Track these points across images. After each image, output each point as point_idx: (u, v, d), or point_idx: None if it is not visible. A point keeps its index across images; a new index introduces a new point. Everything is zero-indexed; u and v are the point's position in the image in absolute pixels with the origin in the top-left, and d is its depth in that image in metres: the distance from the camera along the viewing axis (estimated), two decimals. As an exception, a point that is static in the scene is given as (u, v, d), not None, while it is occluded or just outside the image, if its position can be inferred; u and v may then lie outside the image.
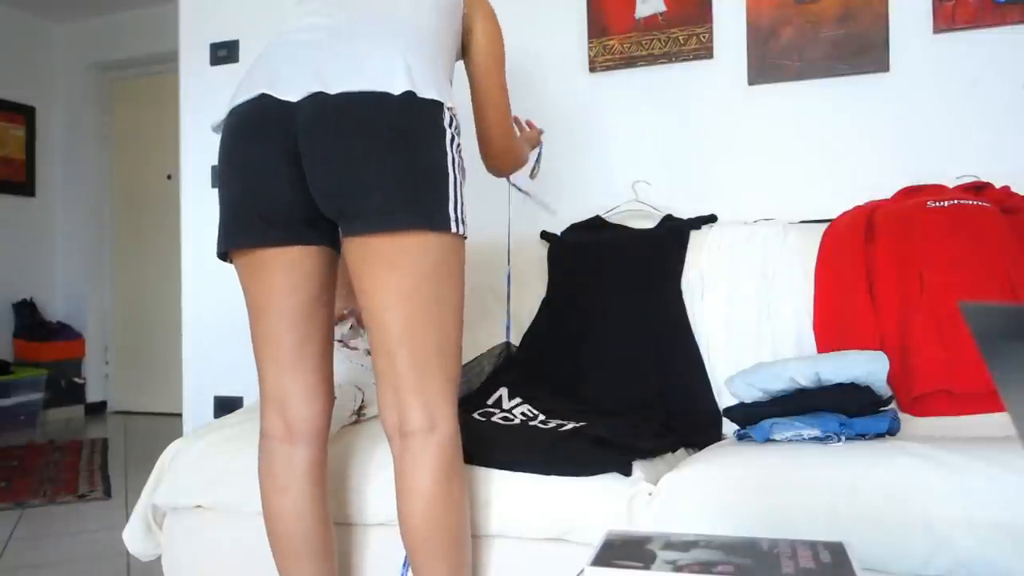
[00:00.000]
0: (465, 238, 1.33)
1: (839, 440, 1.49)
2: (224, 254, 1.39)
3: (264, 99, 1.28)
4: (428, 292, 1.28)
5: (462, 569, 1.35)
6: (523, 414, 1.77)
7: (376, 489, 1.55)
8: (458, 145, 1.32)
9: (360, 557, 1.58)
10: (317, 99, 1.25)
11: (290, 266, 1.33)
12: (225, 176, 1.34)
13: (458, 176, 1.30)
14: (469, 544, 1.38)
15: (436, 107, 1.28)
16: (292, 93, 1.26)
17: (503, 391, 1.81)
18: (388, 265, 1.26)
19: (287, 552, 1.39)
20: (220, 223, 1.35)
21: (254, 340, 1.38)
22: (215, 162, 2.99)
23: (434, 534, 1.29)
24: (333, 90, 1.24)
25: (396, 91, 1.24)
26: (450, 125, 1.30)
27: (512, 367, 1.93)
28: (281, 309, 1.34)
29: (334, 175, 1.25)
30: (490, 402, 1.82)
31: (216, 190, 2.97)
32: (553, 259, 2.19)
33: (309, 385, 1.38)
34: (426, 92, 1.26)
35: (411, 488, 1.30)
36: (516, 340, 2.11)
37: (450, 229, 1.28)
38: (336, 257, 1.39)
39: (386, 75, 1.25)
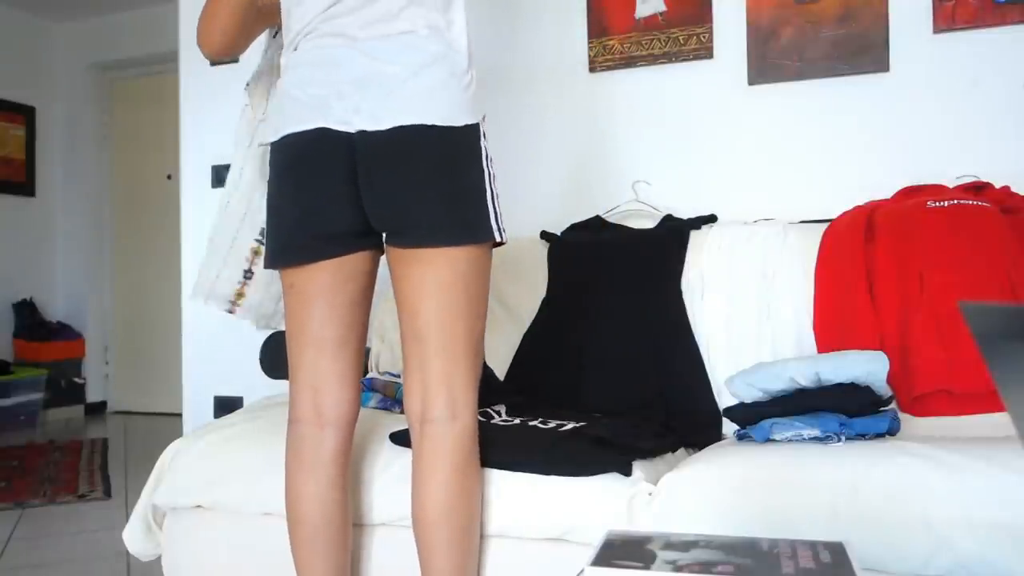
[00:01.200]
0: (504, 243, 1.41)
1: (839, 440, 1.49)
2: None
3: (322, 131, 1.34)
4: (462, 286, 1.37)
5: (470, 558, 1.39)
6: (523, 418, 1.77)
7: (379, 489, 1.55)
8: (490, 157, 1.41)
9: (363, 557, 1.58)
10: (370, 135, 1.32)
11: (338, 268, 1.40)
12: (283, 199, 1.40)
13: (494, 188, 1.40)
14: (478, 535, 1.42)
15: (473, 130, 1.37)
16: (347, 125, 1.33)
17: (502, 408, 1.81)
18: (426, 262, 1.36)
19: (306, 540, 1.42)
20: (274, 241, 1.42)
21: (295, 328, 1.43)
22: (215, 162, 2.99)
23: (447, 520, 1.35)
24: (385, 125, 1.32)
25: (441, 123, 1.33)
26: (484, 139, 1.39)
27: (503, 389, 1.92)
28: (329, 302, 1.41)
29: (386, 201, 1.34)
30: (491, 409, 1.81)
31: (217, 190, 2.99)
32: (553, 259, 2.19)
33: (345, 373, 1.44)
34: (465, 119, 1.35)
35: (428, 474, 1.36)
36: (515, 339, 2.11)
37: (494, 239, 1.39)
38: (379, 256, 1.46)
39: (432, 109, 1.33)
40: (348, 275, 1.41)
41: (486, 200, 1.38)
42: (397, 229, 1.36)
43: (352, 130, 1.33)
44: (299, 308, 1.42)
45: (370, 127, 1.32)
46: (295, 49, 1.40)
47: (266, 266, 1.45)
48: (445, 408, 1.38)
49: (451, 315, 1.37)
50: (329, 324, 1.41)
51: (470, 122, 1.36)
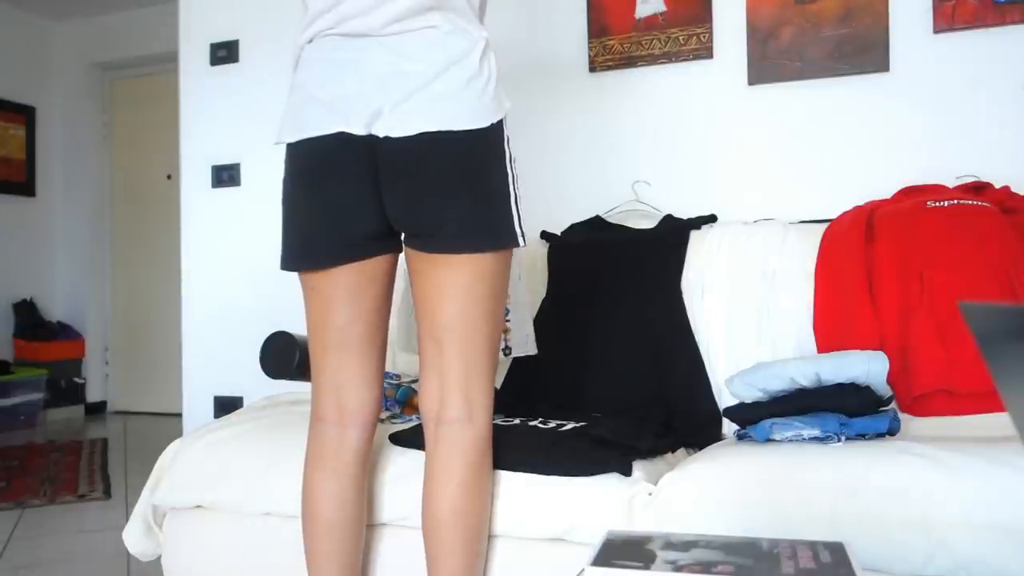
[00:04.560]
0: (524, 246, 1.40)
1: (839, 440, 1.48)
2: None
3: (342, 135, 1.33)
4: (483, 288, 1.36)
5: (479, 560, 1.39)
6: (522, 418, 1.77)
7: (379, 489, 1.55)
8: (514, 159, 1.39)
9: (365, 558, 1.57)
10: (394, 141, 1.31)
11: (360, 271, 1.40)
12: (303, 202, 1.38)
13: (517, 192, 1.39)
14: (487, 537, 1.42)
15: (497, 131, 1.35)
16: (369, 129, 1.32)
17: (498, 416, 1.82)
18: (448, 265, 1.35)
19: (320, 537, 1.42)
20: (294, 243, 1.41)
21: (318, 331, 1.43)
22: (215, 162, 2.99)
23: (458, 523, 1.35)
24: (409, 131, 1.30)
25: (465, 127, 1.31)
26: (507, 143, 1.38)
27: (499, 398, 1.92)
28: (352, 305, 1.41)
29: (410, 208, 1.34)
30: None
31: (217, 190, 2.99)
32: (553, 259, 2.19)
33: (369, 374, 1.44)
34: (489, 118, 1.33)
35: (442, 475, 1.36)
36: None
37: (517, 244, 1.38)
38: (397, 257, 1.46)
39: (456, 113, 1.31)
40: (370, 278, 1.40)
41: (509, 204, 1.37)
42: (421, 233, 1.35)
43: (375, 134, 1.31)
44: (322, 311, 1.42)
45: (394, 133, 1.30)
46: (310, 42, 1.38)
47: (283, 268, 1.44)
48: (462, 410, 1.37)
49: (471, 318, 1.36)
50: (353, 326, 1.41)
51: (495, 120, 1.34)
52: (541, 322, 2.11)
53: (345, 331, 1.41)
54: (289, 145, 1.40)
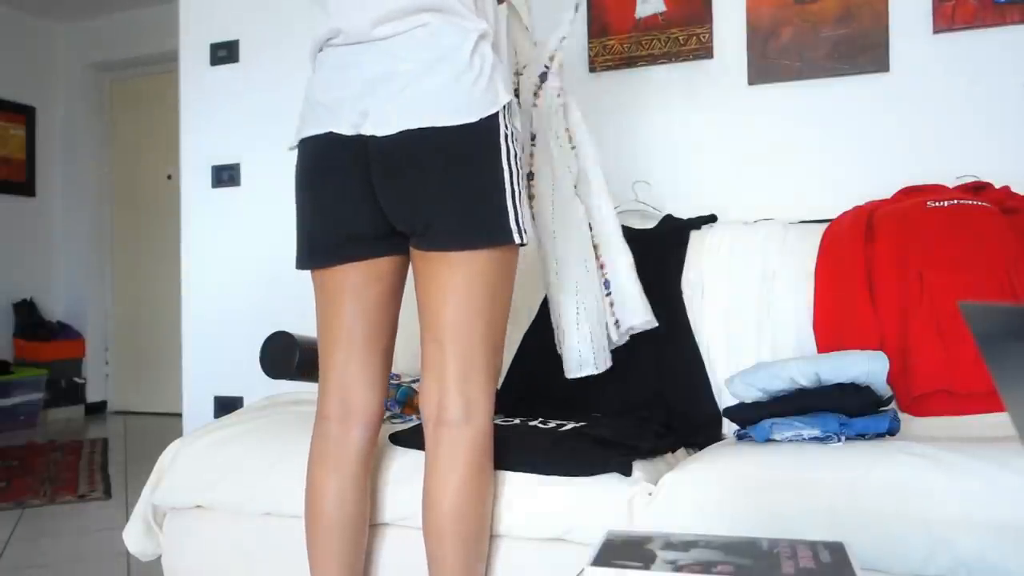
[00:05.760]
0: (524, 244, 1.38)
1: (839, 440, 1.49)
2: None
3: (332, 136, 1.35)
4: (482, 287, 1.35)
5: (480, 562, 1.39)
6: (523, 418, 1.77)
7: (379, 489, 1.55)
8: (516, 154, 1.37)
9: (367, 558, 1.57)
10: (379, 140, 1.32)
11: (367, 269, 1.41)
12: (308, 202, 1.42)
13: (516, 188, 1.36)
14: (488, 538, 1.42)
15: (492, 124, 1.33)
16: (356, 129, 1.33)
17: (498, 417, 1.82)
18: (446, 264, 1.35)
19: (322, 536, 1.42)
20: (303, 242, 1.44)
21: (326, 328, 1.45)
22: (215, 162, 2.99)
23: (459, 524, 1.34)
24: (392, 129, 1.31)
25: (452, 123, 1.30)
26: (507, 139, 1.35)
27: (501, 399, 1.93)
28: (358, 302, 1.42)
29: (400, 206, 1.34)
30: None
31: (217, 190, 2.99)
32: (553, 259, 2.19)
33: (373, 373, 1.45)
34: (480, 112, 1.32)
35: (442, 476, 1.35)
36: (515, 339, 2.11)
37: (513, 241, 1.36)
38: (407, 261, 1.46)
39: (442, 108, 1.31)
40: (376, 276, 1.41)
41: (504, 200, 1.34)
42: (414, 232, 1.36)
43: (361, 134, 1.33)
44: (328, 308, 1.43)
45: (378, 132, 1.32)
46: (320, 50, 1.42)
47: (297, 267, 1.46)
48: (460, 410, 1.36)
49: (469, 317, 1.36)
50: (358, 325, 1.42)
51: (485, 114, 1.32)
52: (541, 322, 2.12)
53: (350, 330, 1.42)
54: (298, 148, 1.44)
